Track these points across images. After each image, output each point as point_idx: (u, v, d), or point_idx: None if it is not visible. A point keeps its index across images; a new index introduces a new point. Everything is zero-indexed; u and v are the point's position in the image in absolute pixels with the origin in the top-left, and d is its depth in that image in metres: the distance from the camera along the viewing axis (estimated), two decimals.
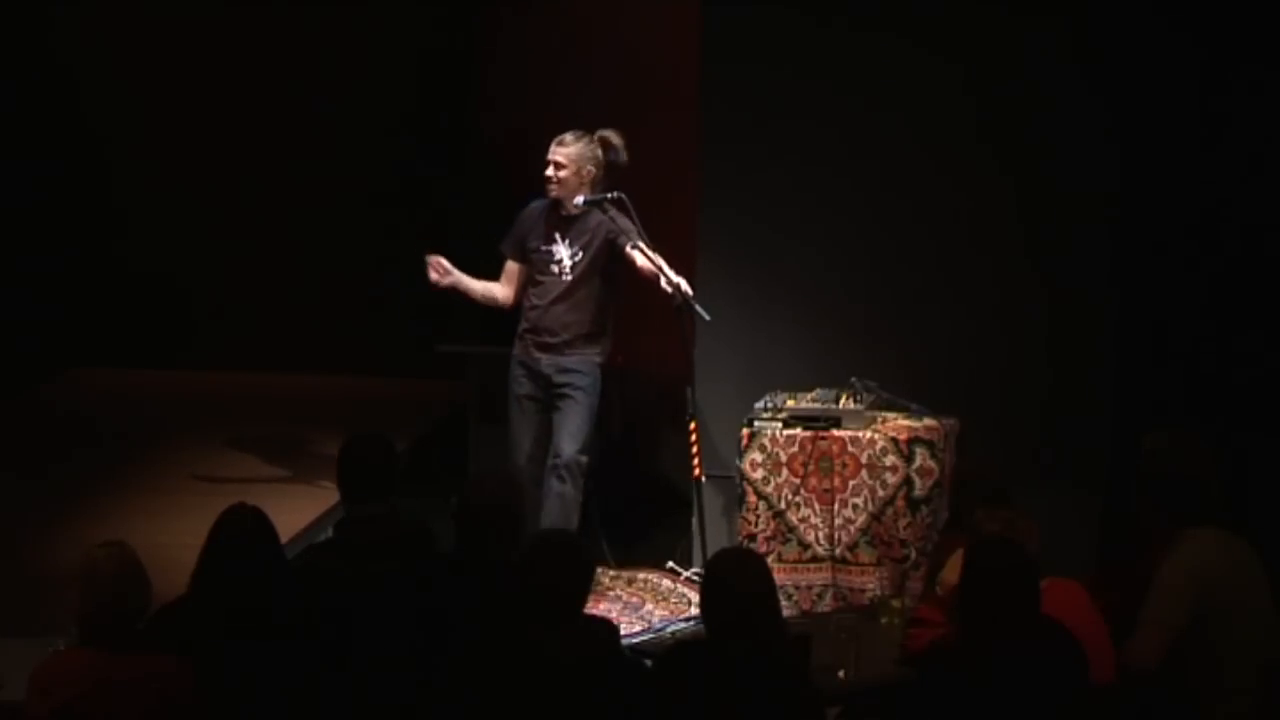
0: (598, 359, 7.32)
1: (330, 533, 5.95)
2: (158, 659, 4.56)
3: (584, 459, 7.23)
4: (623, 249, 7.15)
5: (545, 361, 7.27)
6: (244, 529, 4.93)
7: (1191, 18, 7.25)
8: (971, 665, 4.56)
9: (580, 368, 7.27)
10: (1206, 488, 5.25)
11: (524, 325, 7.35)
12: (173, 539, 6.62)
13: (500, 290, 7.41)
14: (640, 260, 7.06)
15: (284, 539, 5.25)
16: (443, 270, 7.31)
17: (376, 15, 10.42)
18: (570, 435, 7.21)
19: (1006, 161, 7.41)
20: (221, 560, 4.87)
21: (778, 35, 7.54)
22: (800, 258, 7.61)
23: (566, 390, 7.25)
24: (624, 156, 7.23)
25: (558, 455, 7.20)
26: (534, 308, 7.31)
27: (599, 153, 7.19)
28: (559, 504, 7.19)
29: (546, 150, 7.21)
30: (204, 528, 4.96)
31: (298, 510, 7.88)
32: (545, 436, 7.28)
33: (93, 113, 10.76)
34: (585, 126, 7.25)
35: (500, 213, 7.66)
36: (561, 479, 7.19)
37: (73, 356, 10.76)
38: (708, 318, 6.94)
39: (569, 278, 7.23)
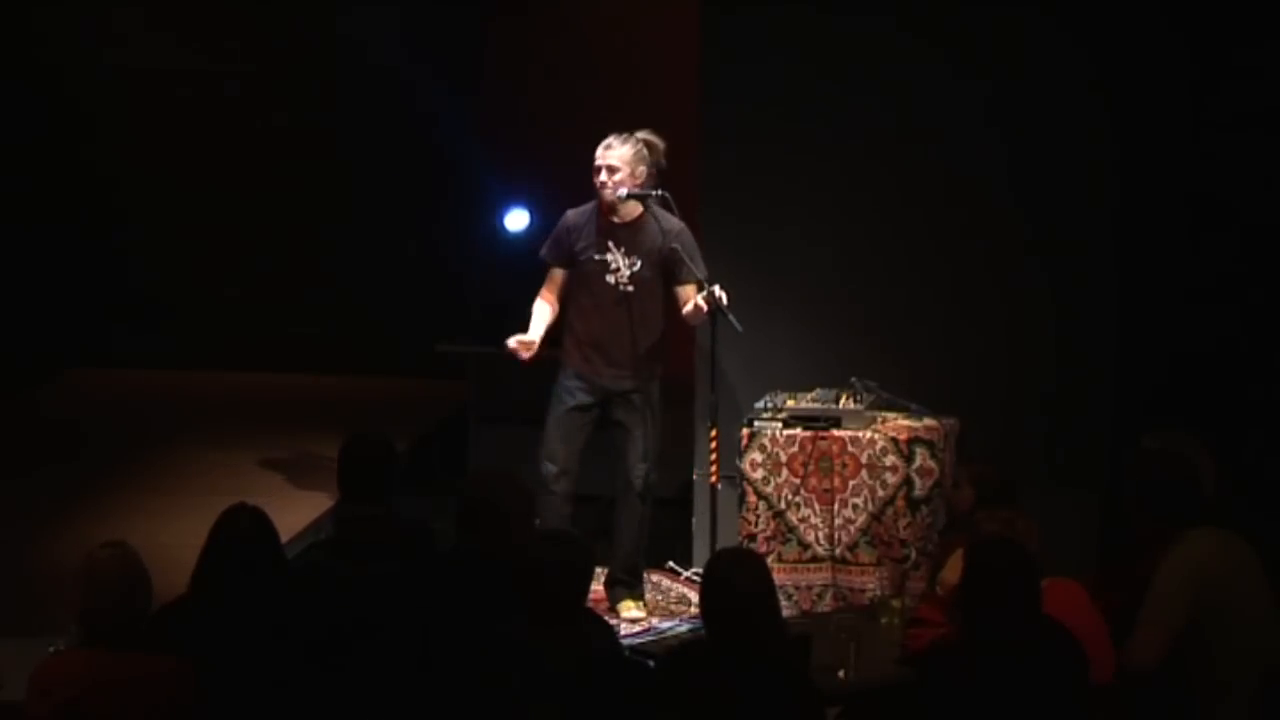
0: (659, 370, 7.14)
1: (330, 532, 5.94)
2: (158, 659, 4.56)
3: (655, 475, 7.12)
4: (679, 282, 6.98)
5: (610, 375, 7.03)
6: (244, 529, 4.92)
7: (1191, 16, 7.25)
8: (972, 665, 4.57)
9: (648, 386, 7.07)
10: (1197, 490, 5.25)
11: (578, 337, 7.04)
12: (173, 539, 6.62)
13: (550, 307, 7.11)
14: (689, 307, 6.88)
15: (284, 539, 5.25)
16: (528, 346, 6.96)
17: (379, 15, 10.43)
18: (646, 454, 7.05)
19: (1007, 160, 7.41)
20: (221, 560, 4.87)
21: (778, 35, 7.54)
22: (800, 258, 7.60)
23: (636, 406, 7.04)
24: (664, 161, 7.05)
25: (636, 476, 7.04)
26: (589, 319, 7.03)
27: (647, 154, 6.97)
28: (638, 525, 7.12)
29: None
30: (204, 528, 4.96)
31: (298, 510, 7.89)
32: (582, 450, 7.08)
33: (90, 114, 10.76)
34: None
35: (501, 213, 7.65)
36: (643, 499, 7.09)
37: (72, 356, 10.77)
38: (740, 329, 6.78)
39: (629, 289, 6.97)
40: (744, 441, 7.05)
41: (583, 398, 7.06)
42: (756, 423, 7.05)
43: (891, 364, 7.34)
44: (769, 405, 7.11)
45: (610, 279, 7.00)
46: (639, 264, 6.99)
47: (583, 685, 4.60)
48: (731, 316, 6.74)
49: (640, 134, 7.01)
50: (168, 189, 10.81)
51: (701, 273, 6.92)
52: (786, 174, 7.59)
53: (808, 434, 6.98)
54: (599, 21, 9.25)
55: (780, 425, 7.02)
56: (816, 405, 7.09)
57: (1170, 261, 7.37)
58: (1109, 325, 7.42)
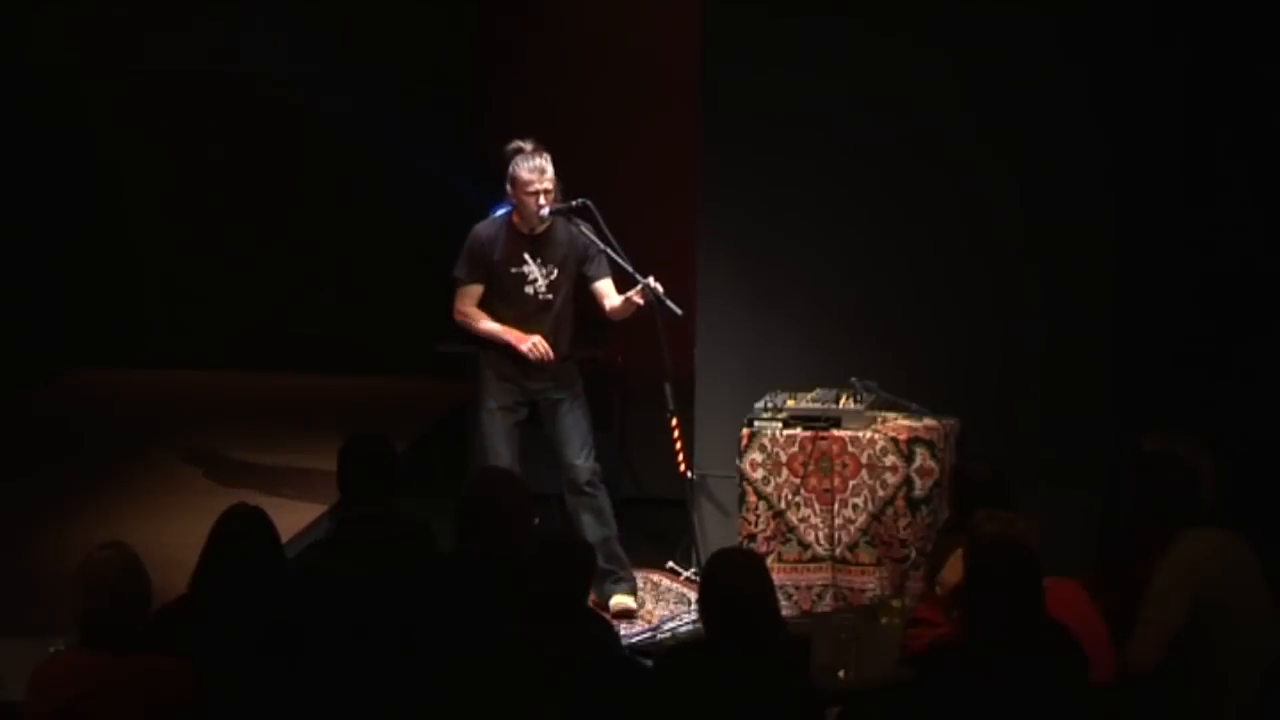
0: (575, 364, 7.31)
1: (330, 532, 5.95)
2: (158, 659, 4.56)
3: (598, 465, 7.23)
4: (591, 281, 7.13)
5: (534, 377, 7.16)
6: (244, 529, 4.93)
7: (1188, 19, 7.26)
8: (972, 665, 4.57)
9: (573, 378, 7.24)
10: (1195, 491, 5.24)
11: (499, 348, 7.15)
12: (173, 539, 6.63)
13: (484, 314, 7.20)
14: (609, 302, 7.06)
15: (284, 539, 5.25)
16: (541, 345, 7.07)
17: (379, 17, 10.43)
18: (584, 445, 7.18)
19: (1006, 161, 7.41)
20: (221, 560, 4.88)
21: (778, 35, 7.54)
22: (800, 258, 7.61)
23: (566, 401, 7.19)
24: None
25: (577, 467, 7.15)
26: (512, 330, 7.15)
27: None
28: (599, 515, 7.19)
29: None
30: (204, 528, 4.96)
31: (298, 510, 7.89)
32: (517, 447, 7.18)
33: (93, 114, 10.77)
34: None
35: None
36: (595, 488, 7.18)
37: (71, 357, 10.77)
38: (679, 312, 6.90)
39: (548, 297, 7.11)
40: (744, 441, 7.05)
41: (506, 398, 7.17)
42: (756, 423, 7.05)
43: (891, 364, 7.34)
44: (769, 405, 7.11)
45: (529, 290, 7.11)
46: (555, 272, 7.12)
47: (583, 685, 4.60)
48: (669, 302, 6.89)
49: (531, 143, 7.05)
50: (168, 190, 10.81)
51: (607, 273, 7.07)
52: (787, 175, 7.58)
53: (808, 434, 6.98)
54: (599, 22, 9.24)
55: (780, 425, 7.02)
56: (816, 405, 7.09)
57: (1170, 261, 7.37)
58: (1109, 325, 7.42)
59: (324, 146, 10.58)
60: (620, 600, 7.20)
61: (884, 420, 7.05)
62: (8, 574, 7.29)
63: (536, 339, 7.05)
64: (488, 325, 7.13)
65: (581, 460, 7.17)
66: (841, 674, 5.17)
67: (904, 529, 6.86)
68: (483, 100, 9.82)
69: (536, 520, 6.48)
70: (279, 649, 4.77)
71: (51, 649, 4.80)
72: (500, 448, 7.13)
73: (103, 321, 10.80)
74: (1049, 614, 4.66)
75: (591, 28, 9.23)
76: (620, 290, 7.12)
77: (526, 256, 7.10)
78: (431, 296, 7.57)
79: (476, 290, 7.16)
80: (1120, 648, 5.07)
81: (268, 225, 10.72)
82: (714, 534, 7.14)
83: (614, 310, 7.13)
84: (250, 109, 10.64)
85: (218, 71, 10.60)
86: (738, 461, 7.07)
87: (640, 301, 6.96)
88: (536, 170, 6.99)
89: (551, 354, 7.05)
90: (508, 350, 7.14)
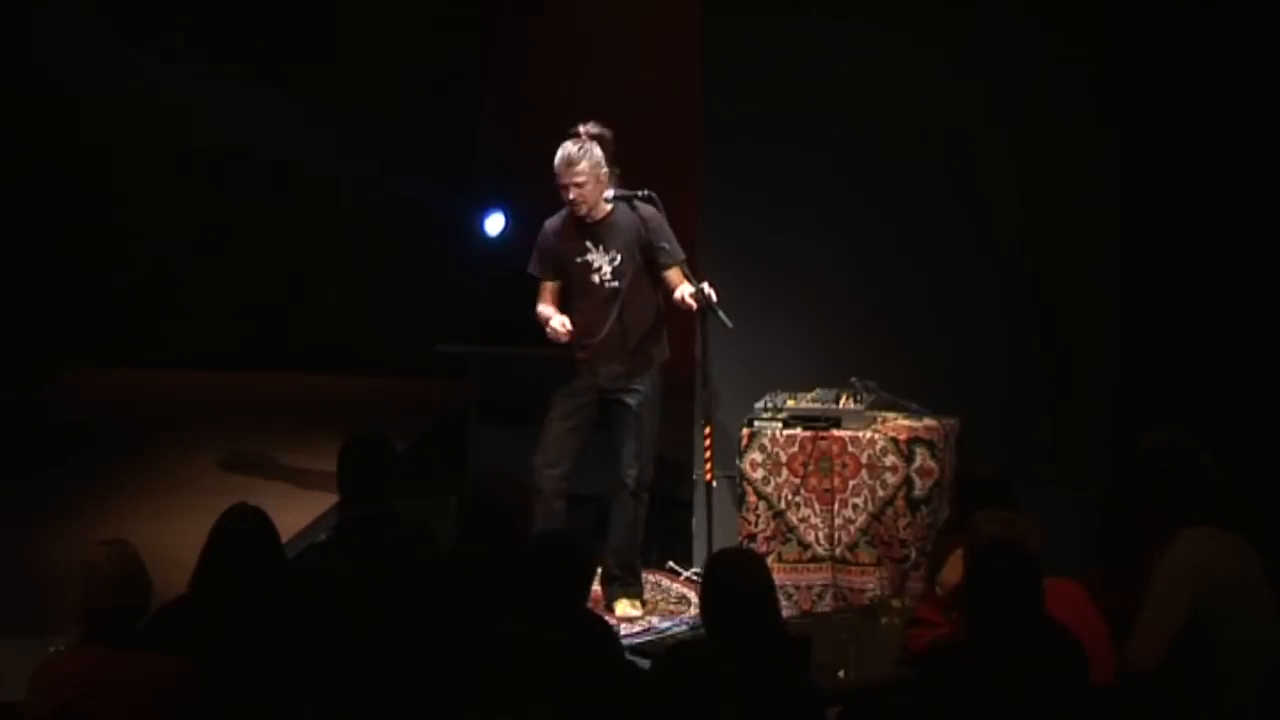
0: (660, 359, 7.14)
1: (330, 533, 5.95)
2: (158, 659, 4.56)
3: (650, 473, 7.12)
4: (662, 268, 6.99)
5: (605, 373, 7.03)
6: (244, 529, 4.93)
7: (1191, 21, 7.26)
8: (972, 665, 4.57)
9: (645, 381, 7.06)
10: (1203, 489, 5.24)
11: (577, 338, 7.01)
12: (173, 539, 6.62)
13: (554, 309, 7.08)
14: (677, 293, 6.90)
15: (284, 539, 5.25)
16: (564, 325, 6.94)
17: (379, 17, 10.44)
18: (637, 452, 7.04)
19: (1007, 161, 7.42)
20: (221, 560, 4.88)
21: (778, 35, 7.54)
22: (800, 258, 7.61)
23: (630, 404, 7.04)
24: (612, 144, 6.99)
25: (628, 474, 7.03)
26: (585, 318, 7.01)
27: (600, 153, 6.91)
28: (628, 524, 7.10)
29: (552, 158, 6.88)
30: (204, 528, 4.96)
31: (298, 510, 7.89)
32: (577, 448, 7.08)
33: (93, 115, 10.77)
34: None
35: (495, 212, 7.64)
36: (636, 498, 7.07)
37: (73, 357, 10.78)
38: (730, 324, 6.80)
39: (615, 284, 6.98)
40: (744, 441, 7.05)
41: (580, 395, 7.07)
42: (756, 423, 7.06)
43: (891, 364, 7.35)
44: (769, 405, 7.11)
45: (595, 278, 7.01)
46: (619, 258, 7.00)
47: (583, 685, 4.60)
48: (721, 313, 6.77)
49: (584, 130, 6.93)
50: (170, 190, 10.82)
51: (680, 255, 6.96)
52: (787, 174, 7.59)
53: (808, 434, 6.98)
54: (599, 22, 9.25)
55: (780, 425, 7.02)
56: (816, 405, 7.09)
57: (1170, 261, 7.37)
58: (1109, 324, 7.42)
59: (323, 145, 10.59)
60: (624, 606, 7.17)
61: (884, 420, 7.05)
62: (8, 574, 7.29)
63: (556, 320, 6.92)
64: (540, 312, 7.02)
65: (627, 465, 7.04)
66: (841, 674, 5.16)
67: (904, 529, 6.86)
68: (481, 99, 9.83)
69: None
70: (279, 649, 4.77)
71: (51, 649, 4.80)
72: (549, 444, 7.04)
73: (104, 321, 10.80)
74: (1049, 614, 4.66)
75: (591, 28, 9.24)
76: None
77: (588, 244, 6.99)
78: (432, 297, 7.58)
79: (551, 286, 7.03)
80: (1120, 648, 5.07)
81: (268, 224, 10.72)
82: (714, 534, 7.13)
83: (676, 302, 6.97)
84: (249, 108, 10.64)
85: (214, 67, 10.61)
86: (738, 461, 7.07)
87: (693, 304, 6.81)
88: (562, 162, 6.87)
89: (563, 334, 6.90)
90: (584, 341, 7.01)
